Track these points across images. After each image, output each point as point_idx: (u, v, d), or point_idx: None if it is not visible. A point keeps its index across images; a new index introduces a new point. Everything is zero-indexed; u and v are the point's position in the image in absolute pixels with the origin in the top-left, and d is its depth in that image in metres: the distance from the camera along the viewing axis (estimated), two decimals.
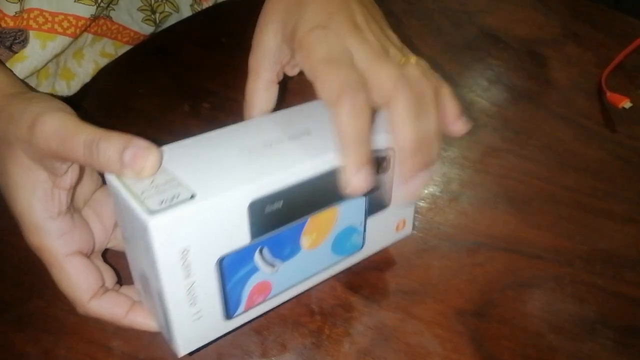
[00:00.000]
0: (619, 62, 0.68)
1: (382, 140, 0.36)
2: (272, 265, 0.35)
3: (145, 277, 0.33)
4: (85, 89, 0.60)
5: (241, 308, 0.35)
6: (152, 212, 0.28)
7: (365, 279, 0.42)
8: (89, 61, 0.61)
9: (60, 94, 0.58)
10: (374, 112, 0.31)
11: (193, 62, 0.64)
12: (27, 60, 0.51)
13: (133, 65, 0.64)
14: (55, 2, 0.52)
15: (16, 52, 0.51)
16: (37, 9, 0.51)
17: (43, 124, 0.31)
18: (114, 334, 0.38)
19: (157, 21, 0.67)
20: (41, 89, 0.56)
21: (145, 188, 0.30)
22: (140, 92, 0.60)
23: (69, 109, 0.33)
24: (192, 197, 0.29)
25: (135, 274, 0.35)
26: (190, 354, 0.34)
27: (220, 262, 0.32)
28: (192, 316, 0.32)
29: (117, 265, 0.38)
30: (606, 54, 0.69)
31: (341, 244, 0.38)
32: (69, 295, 0.34)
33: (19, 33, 0.50)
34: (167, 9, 0.68)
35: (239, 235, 0.32)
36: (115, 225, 0.38)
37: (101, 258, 0.38)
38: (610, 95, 0.62)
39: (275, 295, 0.36)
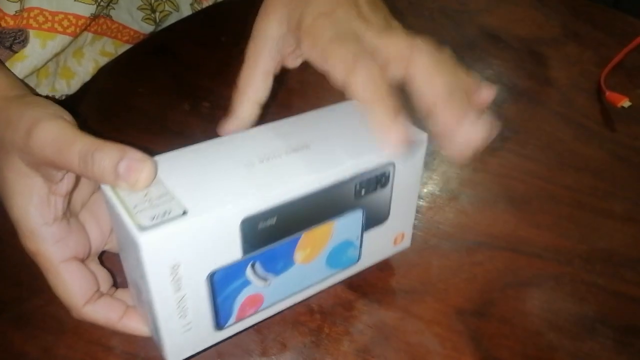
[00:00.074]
0: (619, 62, 0.68)
1: (379, 157, 0.35)
2: (264, 279, 0.34)
3: (137, 286, 0.33)
4: (85, 88, 0.60)
5: (232, 319, 0.34)
6: (142, 228, 0.28)
7: (365, 278, 0.42)
8: (89, 60, 0.61)
9: (60, 93, 0.58)
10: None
11: (193, 61, 0.64)
12: (27, 59, 0.51)
13: (133, 64, 0.64)
14: (55, 1, 0.52)
15: (16, 52, 0.51)
16: (37, 8, 0.51)
17: (39, 132, 0.31)
18: (113, 333, 0.37)
19: (157, 20, 0.67)
20: (41, 87, 0.56)
21: (138, 201, 0.30)
22: (140, 91, 0.60)
23: (67, 115, 0.33)
24: (184, 213, 0.29)
25: (129, 279, 0.35)
26: None
27: (211, 276, 0.31)
28: (182, 327, 0.32)
29: (114, 268, 0.38)
30: (606, 53, 0.69)
31: (336, 258, 0.38)
32: (64, 300, 0.34)
33: (19, 33, 0.50)
34: (167, 8, 0.68)
35: (231, 251, 0.32)
36: (112, 229, 0.38)
37: (97, 261, 0.38)
38: (610, 95, 0.62)
39: (267, 307, 0.36)
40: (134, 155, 0.30)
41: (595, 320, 0.40)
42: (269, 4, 0.37)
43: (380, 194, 0.37)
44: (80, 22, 0.53)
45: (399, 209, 0.39)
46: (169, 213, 0.29)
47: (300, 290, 0.37)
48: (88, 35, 0.60)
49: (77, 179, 0.35)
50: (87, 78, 0.61)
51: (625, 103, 0.60)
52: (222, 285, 0.32)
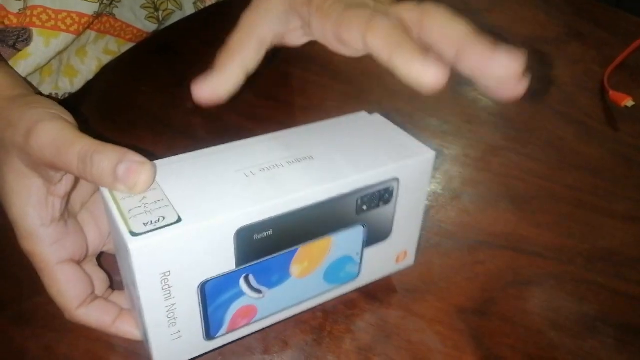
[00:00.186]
0: (622, 61, 0.68)
1: (384, 172, 0.34)
2: (258, 291, 0.34)
3: (130, 290, 0.32)
4: (89, 86, 0.61)
5: (223, 330, 0.34)
6: (134, 234, 0.28)
7: None
8: (92, 58, 0.61)
9: (63, 91, 0.58)
10: None
11: (196, 59, 0.64)
12: (31, 57, 0.52)
13: (136, 62, 0.64)
14: None
15: (20, 50, 0.51)
16: (40, 6, 0.51)
17: (39, 133, 0.30)
18: None
19: (160, 19, 0.68)
20: (44, 86, 0.56)
21: (133, 206, 0.30)
22: (143, 89, 0.60)
23: (68, 116, 0.33)
24: (178, 220, 0.29)
25: (124, 282, 0.35)
26: None
27: (203, 286, 0.31)
28: (171, 336, 0.32)
29: (111, 270, 0.38)
30: (609, 52, 0.69)
31: (335, 273, 0.37)
32: (58, 302, 0.34)
33: (22, 31, 0.51)
34: (170, 6, 0.69)
35: (224, 261, 0.31)
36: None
37: (95, 262, 0.38)
38: (613, 94, 0.62)
39: (261, 319, 0.35)
40: (133, 158, 0.29)
41: (596, 319, 0.41)
42: None
43: (383, 211, 0.36)
44: (83, 21, 0.54)
45: (403, 227, 0.38)
46: (163, 220, 0.29)
47: (296, 304, 0.36)
48: (91, 34, 0.60)
49: (76, 181, 0.35)
50: (91, 76, 0.61)
51: (629, 102, 0.60)
52: (213, 296, 0.32)
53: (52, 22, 0.52)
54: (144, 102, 0.58)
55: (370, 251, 0.37)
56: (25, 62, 0.51)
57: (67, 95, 0.58)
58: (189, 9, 0.72)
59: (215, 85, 0.33)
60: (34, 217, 0.33)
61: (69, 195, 0.34)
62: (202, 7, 0.73)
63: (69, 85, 0.59)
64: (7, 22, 0.50)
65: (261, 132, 0.37)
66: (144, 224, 0.28)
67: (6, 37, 0.50)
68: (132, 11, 0.63)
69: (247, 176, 0.32)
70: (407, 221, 0.38)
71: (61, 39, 0.53)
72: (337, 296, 0.39)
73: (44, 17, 0.51)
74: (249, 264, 0.32)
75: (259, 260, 0.32)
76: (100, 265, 0.38)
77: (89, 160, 0.29)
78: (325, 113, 0.57)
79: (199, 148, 0.35)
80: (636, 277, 0.44)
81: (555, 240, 0.46)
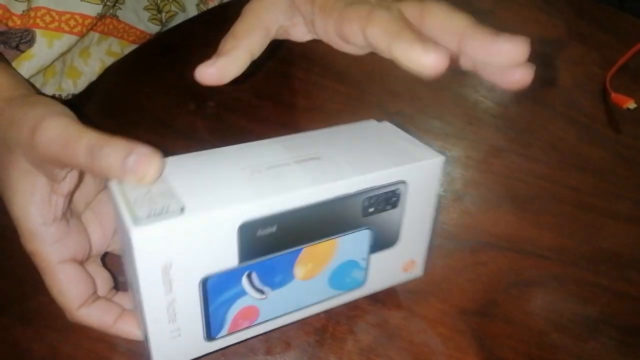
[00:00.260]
0: (624, 63, 0.68)
1: (391, 173, 0.34)
2: (261, 291, 0.33)
3: (132, 286, 0.32)
4: (92, 87, 0.61)
5: (224, 331, 0.33)
6: (137, 223, 0.28)
7: None
8: (96, 60, 0.61)
9: (66, 92, 0.58)
10: None
11: (199, 61, 0.64)
12: (34, 58, 0.52)
13: (139, 64, 0.64)
14: (62, 0, 0.52)
15: (23, 51, 0.51)
16: (44, 8, 0.51)
17: (45, 128, 0.31)
18: None
19: (163, 20, 0.68)
20: (48, 87, 0.56)
21: (139, 196, 0.30)
22: (146, 91, 0.60)
23: (70, 113, 0.33)
24: (182, 210, 0.29)
25: (128, 281, 0.35)
26: None
27: (204, 281, 0.31)
28: (171, 333, 0.31)
29: (116, 271, 0.38)
30: (611, 54, 0.69)
31: (340, 278, 0.36)
32: (59, 302, 0.34)
33: (26, 32, 0.51)
34: (173, 8, 0.69)
35: (227, 256, 0.31)
36: (115, 230, 0.38)
37: (99, 262, 0.38)
38: (615, 96, 0.62)
39: (263, 322, 0.35)
40: (142, 150, 0.30)
41: (598, 321, 0.41)
42: None
43: (390, 215, 0.36)
44: (86, 22, 0.54)
45: (411, 234, 0.38)
46: (167, 209, 0.29)
47: (299, 309, 0.36)
48: (94, 35, 0.60)
49: (80, 179, 0.35)
50: (94, 78, 0.61)
51: (631, 105, 0.60)
52: (215, 293, 0.32)
53: (56, 24, 0.52)
54: (147, 103, 0.58)
55: (376, 258, 0.37)
56: (28, 64, 0.52)
57: (70, 97, 0.59)
58: (192, 11, 0.72)
59: (222, 68, 0.33)
60: (36, 215, 0.33)
61: (71, 195, 0.34)
62: (205, 8, 0.73)
63: (72, 86, 0.59)
64: (10, 24, 0.50)
65: (263, 133, 0.37)
66: (148, 213, 0.28)
67: (9, 38, 0.50)
68: (135, 13, 0.64)
69: (253, 173, 0.32)
70: (415, 228, 0.38)
71: (64, 41, 0.53)
72: (341, 303, 0.38)
73: (48, 18, 0.52)
74: (252, 262, 0.32)
75: (262, 259, 0.32)
76: (104, 266, 0.38)
77: (97, 153, 0.29)
78: (327, 114, 0.57)
79: (202, 149, 0.35)
80: (638, 279, 0.44)
81: (557, 241, 0.46)
